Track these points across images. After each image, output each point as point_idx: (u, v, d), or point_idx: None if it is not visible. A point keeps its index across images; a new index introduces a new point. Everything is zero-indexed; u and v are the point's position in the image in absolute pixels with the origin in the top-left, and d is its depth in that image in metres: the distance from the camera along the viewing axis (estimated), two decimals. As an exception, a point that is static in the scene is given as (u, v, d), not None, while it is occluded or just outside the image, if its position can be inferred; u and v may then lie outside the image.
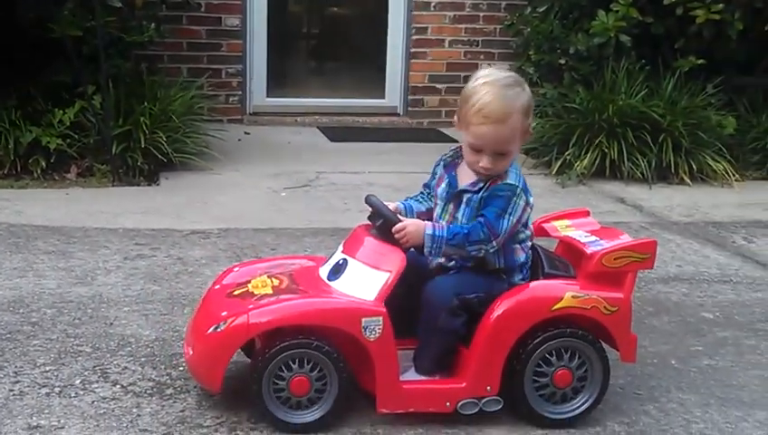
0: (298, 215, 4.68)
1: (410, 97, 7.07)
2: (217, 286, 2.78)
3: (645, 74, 5.81)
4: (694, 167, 5.64)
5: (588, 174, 5.57)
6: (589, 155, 5.58)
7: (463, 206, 2.65)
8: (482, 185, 2.62)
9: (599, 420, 2.69)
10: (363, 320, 2.50)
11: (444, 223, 2.65)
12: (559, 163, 5.63)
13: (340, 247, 2.72)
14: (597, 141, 5.59)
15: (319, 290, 2.62)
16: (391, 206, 2.70)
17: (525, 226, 2.69)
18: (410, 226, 2.59)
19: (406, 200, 2.81)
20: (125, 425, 2.54)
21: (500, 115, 2.54)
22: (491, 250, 2.58)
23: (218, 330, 2.52)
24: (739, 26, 5.64)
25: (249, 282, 2.70)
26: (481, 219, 2.57)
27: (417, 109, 7.07)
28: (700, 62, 5.79)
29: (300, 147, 6.24)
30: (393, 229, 2.59)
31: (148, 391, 2.74)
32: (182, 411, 2.63)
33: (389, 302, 2.54)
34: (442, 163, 2.74)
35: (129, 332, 3.16)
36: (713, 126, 5.75)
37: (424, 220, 2.66)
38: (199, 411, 2.63)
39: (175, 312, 3.35)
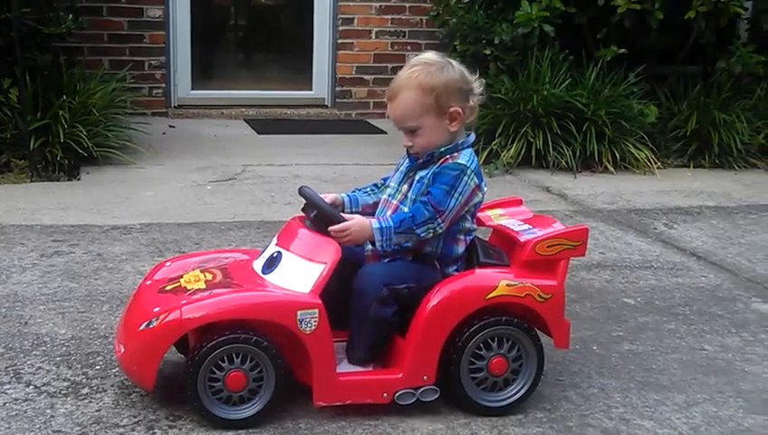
0: (223, 208, 4.61)
1: (338, 88, 7.04)
2: (149, 282, 2.72)
3: (568, 64, 5.87)
4: (617, 155, 5.74)
5: (514, 163, 5.63)
6: (515, 145, 5.63)
7: (414, 183, 2.66)
8: (433, 164, 2.63)
9: (521, 406, 2.70)
10: (299, 313, 2.47)
11: (389, 214, 2.64)
12: (486, 153, 5.66)
13: (275, 240, 2.68)
14: (522, 131, 5.64)
15: (253, 284, 2.59)
16: (328, 198, 2.68)
17: (473, 216, 2.69)
18: (354, 225, 2.57)
19: (353, 192, 2.80)
20: (38, 426, 2.47)
21: (390, 93, 2.67)
22: (439, 229, 2.57)
23: (151, 326, 2.46)
24: (659, 15, 5.73)
25: (182, 277, 2.65)
26: (424, 198, 2.57)
27: (344, 100, 7.05)
28: (622, 51, 5.87)
29: (226, 140, 6.16)
30: (334, 230, 2.56)
31: (62, 392, 2.66)
32: (98, 411, 2.56)
33: (325, 294, 2.52)
34: (407, 151, 2.74)
35: (44, 331, 3.07)
36: (635, 115, 5.85)
37: (369, 214, 2.64)
38: (116, 411, 2.57)
39: (93, 309, 3.27)
